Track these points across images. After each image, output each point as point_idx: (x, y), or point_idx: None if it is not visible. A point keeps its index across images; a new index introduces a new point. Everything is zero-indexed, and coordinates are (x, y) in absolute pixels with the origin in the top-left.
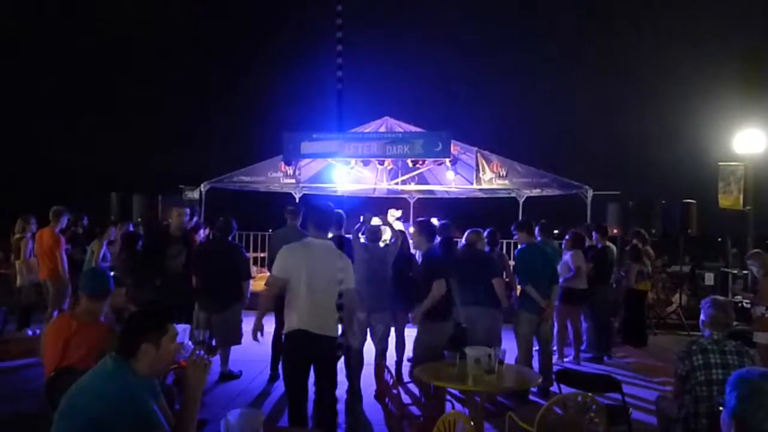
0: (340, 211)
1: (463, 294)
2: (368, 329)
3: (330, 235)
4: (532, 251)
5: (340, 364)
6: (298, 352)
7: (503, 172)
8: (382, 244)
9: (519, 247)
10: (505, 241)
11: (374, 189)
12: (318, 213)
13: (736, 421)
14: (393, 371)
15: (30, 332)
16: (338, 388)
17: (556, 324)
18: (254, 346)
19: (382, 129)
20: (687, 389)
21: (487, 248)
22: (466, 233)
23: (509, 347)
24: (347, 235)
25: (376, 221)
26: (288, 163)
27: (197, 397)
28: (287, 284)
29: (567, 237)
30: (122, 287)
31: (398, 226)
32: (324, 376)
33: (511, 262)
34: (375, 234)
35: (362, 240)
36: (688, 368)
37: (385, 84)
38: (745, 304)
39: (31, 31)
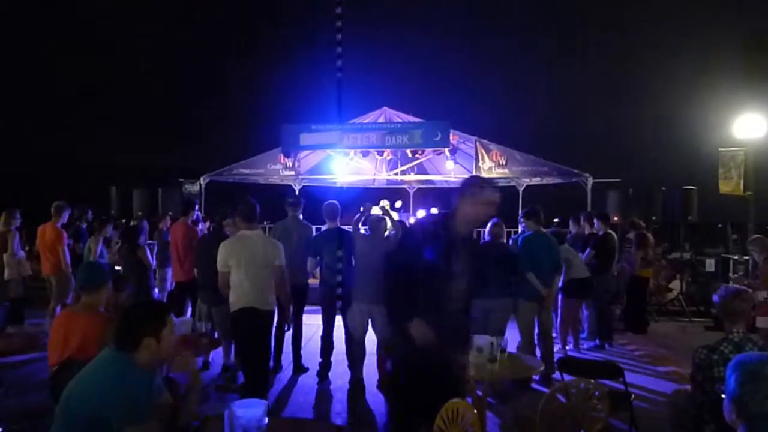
0: (335, 202)
1: (485, 285)
2: (369, 320)
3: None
4: (537, 239)
5: (342, 355)
6: (248, 324)
7: (503, 161)
8: (383, 236)
9: (523, 234)
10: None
11: (374, 179)
12: (244, 208)
13: (736, 405)
14: None
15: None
16: (341, 379)
17: (559, 315)
18: None
19: (381, 119)
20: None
21: None
22: (489, 225)
23: (511, 335)
24: (344, 227)
25: (376, 211)
26: (287, 155)
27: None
28: (231, 274)
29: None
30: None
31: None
32: (260, 345)
33: None
34: (377, 225)
35: (363, 231)
36: (706, 376)
37: (384, 74)
38: None
39: (31, 27)
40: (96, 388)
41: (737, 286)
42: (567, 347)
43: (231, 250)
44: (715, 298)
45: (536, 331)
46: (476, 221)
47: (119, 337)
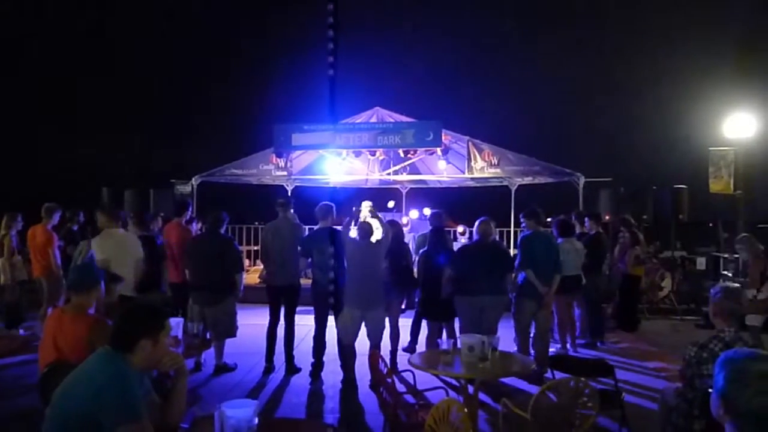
0: (329, 203)
1: (478, 283)
2: (362, 323)
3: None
4: (537, 238)
5: (334, 355)
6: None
7: (495, 161)
8: (374, 240)
9: (523, 233)
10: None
11: (366, 180)
12: (105, 208)
13: (723, 402)
14: (387, 361)
15: (22, 332)
16: (334, 379)
17: (555, 315)
18: (249, 339)
19: (373, 119)
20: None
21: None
22: (476, 224)
23: (505, 334)
24: (336, 227)
25: (365, 212)
26: (279, 155)
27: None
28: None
29: (554, 225)
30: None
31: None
32: None
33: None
34: (367, 231)
35: (353, 236)
36: (696, 373)
37: (376, 74)
38: None
39: (27, 27)
40: (90, 387)
41: (729, 284)
42: (566, 347)
43: (103, 245)
44: (710, 300)
45: (533, 331)
46: None
47: (116, 337)
